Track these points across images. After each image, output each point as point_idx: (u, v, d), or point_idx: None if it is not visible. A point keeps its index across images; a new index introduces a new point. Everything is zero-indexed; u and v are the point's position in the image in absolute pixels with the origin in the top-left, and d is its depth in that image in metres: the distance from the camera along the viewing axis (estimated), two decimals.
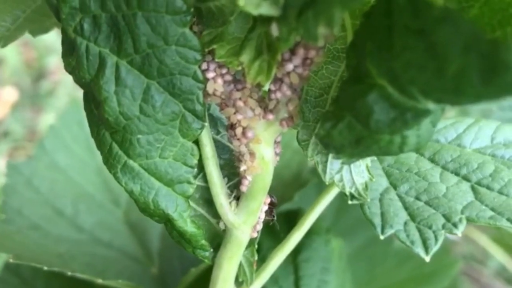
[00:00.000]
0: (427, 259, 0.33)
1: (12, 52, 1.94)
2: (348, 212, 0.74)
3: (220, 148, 0.37)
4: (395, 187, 0.37)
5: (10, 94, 1.90)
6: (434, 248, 0.33)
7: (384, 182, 0.37)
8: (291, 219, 0.51)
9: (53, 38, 1.98)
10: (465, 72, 0.21)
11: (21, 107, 1.88)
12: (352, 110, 0.27)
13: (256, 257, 0.39)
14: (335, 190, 0.41)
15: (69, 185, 0.63)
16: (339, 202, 0.73)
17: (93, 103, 0.33)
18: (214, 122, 0.37)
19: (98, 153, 0.64)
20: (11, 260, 0.44)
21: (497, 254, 0.95)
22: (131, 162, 0.33)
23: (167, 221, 0.35)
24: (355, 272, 0.64)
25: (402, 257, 0.76)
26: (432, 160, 0.39)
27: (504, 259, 0.95)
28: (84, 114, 0.67)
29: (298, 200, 0.53)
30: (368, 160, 0.35)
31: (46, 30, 0.45)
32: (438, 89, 0.23)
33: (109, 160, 0.33)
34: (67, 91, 1.91)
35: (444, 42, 0.21)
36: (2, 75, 1.96)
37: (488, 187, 0.36)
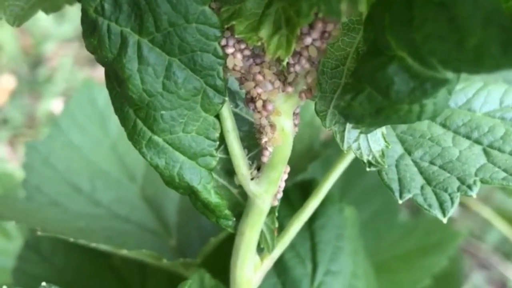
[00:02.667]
0: (444, 221, 0.34)
1: (9, 39, 1.93)
2: (353, 187, 0.76)
3: (240, 120, 0.38)
4: (409, 153, 0.38)
5: (8, 82, 1.89)
6: (451, 211, 0.34)
7: (399, 149, 0.38)
8: (305, 189, 0.52)
9: (49, 24, 1.97)
10: (485, 44, 0.22)
11: (19, 94, 1.88)
12: (372, 82, 0.28)
13: (276, 225, 0.40)
14: (347, 161, 0.42)
15: (85, 162, 0.64)
16: (344, 177, 0.75)
17: (115, 81, 0.34)
18: (232, 96, 0.38)
19: (111, 131, 0.66)
20: (39, 233, 0.45)
21: (500, 226, 0.97)
22: (155, 137, 0.34)
23: (192, 193, 0.36)
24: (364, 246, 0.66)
25: (407, 229, 0.78)
26: (443, 125, 0.40)
27: (508, 231, 0.97)
28: (96, 93, 0.68)
29: (310, 171, 0.54)
30: (383, 128, 0.36)
31: (58, 7, 0.46)
32: (458, 60, 0.24)
33: (133, 136, 0.34)
34: (64, 76, 1.91)
35: (465, 15, 0.22)
36: (0, 62, 1.95)
37: (499, 150, 0.38)
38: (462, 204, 1.33)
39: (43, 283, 0.38)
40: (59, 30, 1.98)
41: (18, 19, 0.39)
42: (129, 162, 0.65)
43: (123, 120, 0.34)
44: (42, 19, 1.94)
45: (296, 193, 0.54)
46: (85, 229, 0.56)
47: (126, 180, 0.65)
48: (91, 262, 0.58)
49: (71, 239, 0.45)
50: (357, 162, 0.77)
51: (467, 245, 1.34)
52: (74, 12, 1.97)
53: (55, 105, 1.82)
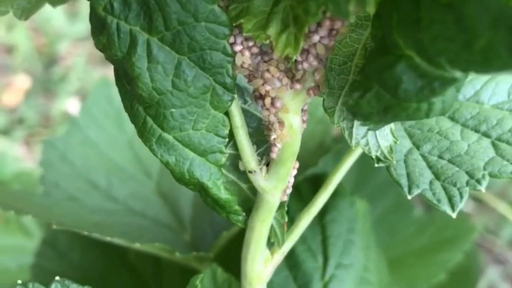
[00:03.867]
0: (454, 215, 0.34)
1: (23, 39, 1.95)
2: (367, 182, 0.76)
3: (248, 116, 0.38)
4: (418, 147, 0.38)
5: (23, 81, 1.91)
6: (460, 205, 0.34)
7: (407, 143, 0.38)
8: (316, 183, 0.53)
9: (62, 23, 1.98)
10: (493, 46, 0.22)
11: (34, 93, 1.90)
12: (380, 81, 0.28)
13: (286, 219, 0.41)
14: (356, 154, 0.42)
15: (101, 159, 0.65)
16: (358, 173, 0.75)
17: (125, 79, 0.35)
18: (241, 92, 0.38)
19: (128, 127, 0.67)
20: (54, 227, 0.46)
21: None
22: (165, 134, 0.34)
23: (202, 189, 0.36)
24: (376, 240, 0.66)
25: (421, 224, 0.78)
26: (452, 118, 0.40)
27: None
28: (112, 91, 0.69)
29: (322, 166, 0.54)
30: (391, 124, 0.36)
31: (64, 0, 0.46)
32: (466, 60, 0.24)
33: (143, 133, 0.35)
34: (78, 75, 1.92)
35: (473, 16, 0.22)
36: (14, 62, 1.97)
37: (508, 143, 0.38)
38: (477, 199, 1.32)
39: (57, 277, 0.38)
40: (72, 29, 1.99)
41: (25, 13, 0.39)
42: (145, 159, 0.66)
43: (133, 118, 0.35)
44: (55, 18, 1.95)
45: (306, 188, 0.54)
46: (101, 224, 0.57)
47: (142, 176, 0.66)
48: (107, 258, 0.59)
49: (86, 233, 0.46)
50: (369, 158, 0.77)
51: (482, 240, 1.34)
52: (87, 11, 1.98)
53: (70, 104, 1.84)
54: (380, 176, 0.76)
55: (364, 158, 0.49)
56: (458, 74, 0.25)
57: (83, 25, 1.98)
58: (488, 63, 0.22)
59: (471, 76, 0.44)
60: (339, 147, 0.58)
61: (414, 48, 0.25)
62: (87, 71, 1.93)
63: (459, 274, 0.75)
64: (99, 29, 0.33)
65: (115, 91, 0.68)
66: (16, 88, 1.88)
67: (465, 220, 0.78)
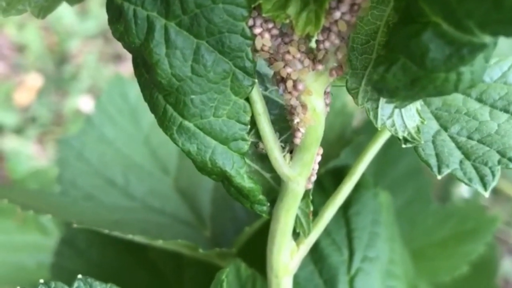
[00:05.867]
0: (486, 195, 0.33)
1: (34, 38, 1.96)
2: (386, 174, 0.75)
3: (270, 103, 0.37)
4: (445, 128, 0.37)
5: (35, 80, 1.92)
6: (493, 184, 0.33)
7: (434, 125, 0.37)
8: (338, 175, 0.52)
9: (73, 21, 1.99)
10: None
11: (46, 92, 1.91)
12: (406, 51, 0.27)
13: (311, 208, 0.40)
14: (379, 143, 0.41)
15: (118, 156, 0.65)
16: (377, 165, 0.74)
17: (143, 67, 0.34)
18: (261, 79, 0.38)
19: (144, 124, 0.67)
20: (75, 225, 0.45)
21: None
22: (186, 122, 0.33)
23: (225, 178, 0.35)
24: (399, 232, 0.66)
25: (441, 216, 0.77)
26: (479, 100, 0.39)
27: None
28: (127, 88, 0.69)
29: (343, 159, 0.53)
30: (418, 104, 0.35)
31: None
32: (496, 21, 0.23)
33: (164, 122, 0.34)
34: (90, 73, 1.93)
35: None
36: (26, 61, 1.98)
37: None
38: (492, 190, 1.31)
39: (79, 275, 0.38)
40: (83, 27, 2.00)
41: (43, 11, 0.39)
42: (161, 155, 0.66)
43: (153, 107, 0.34)
44: (65, 17, 1.96)
45: (329, 180, 0.53)
46: (120, 222, 0.56)
47: (159, 172, 0.66)
48: (126, 256, 0.59)
49: (106, 231, 0.45)
50: (389, 150, 0.75)
51: (496, 231, 1.32)
52: (97, 9, 1.99)
53: (82, 102, 1.85)
54: (398, 169, 0.75)
55: (383, 151, 0.48)
56: (487, 39, 0.24)
57: (94, 23, 1.99)
58: None
59: (497, 58, 0.42)
60: (359, 138, 0.57)
61: (441, 13, 0.24)
62: (98, 69, 1.94)
63: (479, 266, 0.74)
64: (116, 17, 0.33)
65: (129, 88, 0.68)
66: (28, 87, 1.90)
67: (485, 211, 0.76)
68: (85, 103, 1.83)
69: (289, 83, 0.33)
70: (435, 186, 1.08)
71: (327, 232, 0.51)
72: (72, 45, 2.01)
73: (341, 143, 0.57)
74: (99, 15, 1.97)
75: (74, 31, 2.00)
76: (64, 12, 1.93)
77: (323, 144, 0.37)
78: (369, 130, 0.51)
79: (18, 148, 1.71)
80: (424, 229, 0.76)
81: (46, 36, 2.02)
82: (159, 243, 0.46)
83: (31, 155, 1.72)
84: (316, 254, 0.51)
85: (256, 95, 0.35)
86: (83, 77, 1.92)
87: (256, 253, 0.45)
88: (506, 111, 0.38)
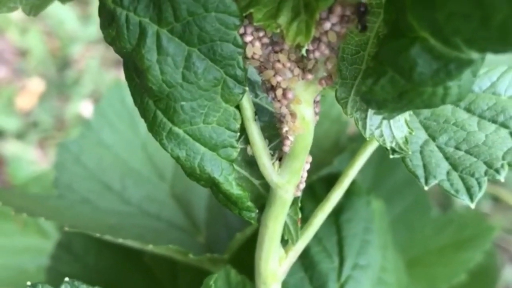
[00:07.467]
0: (472, 206, 0.33)
1: (36, 42, 1.96)
2: (385, 182, 0.75)
3: (260, 110, 0.37)
4: (433, 138, 0.37)
5: (37, 85, 1.92)
6: (479, 195, 0.33)
7: (422, 135, 0.38)
8: (331, 182, 0.52)
9: (75, 26, 2.00)
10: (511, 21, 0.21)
11: (48, 97, 1.91)
12: (394, 65, 0.27)
13: (300, 215, 0.40)
14: (370, 149, 0.42)
15: (115, 161, 0.65)
16: (375, 173, 0.74)
17: (134, 72, 0.34)
18: (252, 86, 0.38)
19: (142, 130, 0.67)
20: (66, 229, 0.46)
21: None
22: (176, 128, 0.34)
23: (213, 184, 0.36)
24: (393, 240, 0.66)
25: (440, 223, 0.77)
26: (468, 110, 0.39)
27: None
28: (126, 93, 0.69)
29: (337, 166, 0.54)
30: (406, 115, 0.35)
31: None
32: (483, 39, 0.23)
33: (153, 127, 0.34)
34: (92, 78, 1.93)
35: None
36: (28, 66, 1.98)
37: None
38: (493, 198, 1.31)
39: (66, 278, 0.38)
40: (85, 32, 2.00)
41: (35, 8, 0.39)
42: (158, 161, 0.66)
43: (143, 112, 0.34)
44: (68, 22, 1.96)
45: (321, 187, 0.53)
46: (115, 227, 0.56)
47: (156, 178, 0.66)
48: (122, 261, 0.59)
49: (97, 235, 0.46)
50: (388, 157, 0.76)
51: (498, 239, 1.32)
52: None
53: (84, 107, 1.84)
54: (397, 176, 0.75)
55: (381, 158, 0.48)
56: (474, 55, 0.24)
57: (96, 28, 1.99)
58: (507, 39, 0.21)
59: (487, 68, 0.43)
60: (354, 146, 0.57)
61: (429, 28, 0.24)
62: (100, 74, 1.93)
63: (478, 274, 0.74)
64: (108, 21, 0.33)
65: (128, 94, 0.68)
66: (30, 91, 1.90)
67: (484, 219, 0.77)
68: (86, 108, 1.83)
69: (279, 92, 0.34)
70: (436, 193, 1.08)
71: (318, 238, 0.52)
72: (74, 50, 2.01)
73: (336, 150, 0.57)
74: None
75: (76, 36, 2.00)
76: (67, 17, 1.94)
77: (318, 151, 0.37)
78: (364, 138, 0.51)
79: (19, 153, 1.70)
80: (423, 236, 0.76)
81: (48, 41, 2.02)
82: (150, 247, 0.46)
83: (33, 160, 1.72)
84: (306, 260, 0.51)
85: (246, 101, 0.35)
86: (85, 82, 1.92)
87: (248, 259, 0.45)
88: (494, 121, 0.38)
